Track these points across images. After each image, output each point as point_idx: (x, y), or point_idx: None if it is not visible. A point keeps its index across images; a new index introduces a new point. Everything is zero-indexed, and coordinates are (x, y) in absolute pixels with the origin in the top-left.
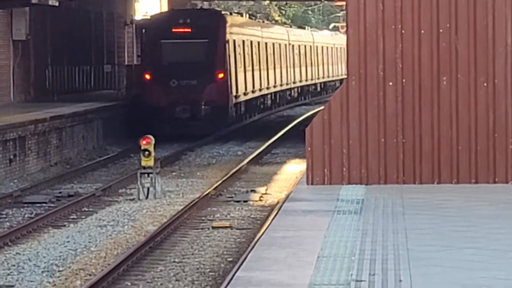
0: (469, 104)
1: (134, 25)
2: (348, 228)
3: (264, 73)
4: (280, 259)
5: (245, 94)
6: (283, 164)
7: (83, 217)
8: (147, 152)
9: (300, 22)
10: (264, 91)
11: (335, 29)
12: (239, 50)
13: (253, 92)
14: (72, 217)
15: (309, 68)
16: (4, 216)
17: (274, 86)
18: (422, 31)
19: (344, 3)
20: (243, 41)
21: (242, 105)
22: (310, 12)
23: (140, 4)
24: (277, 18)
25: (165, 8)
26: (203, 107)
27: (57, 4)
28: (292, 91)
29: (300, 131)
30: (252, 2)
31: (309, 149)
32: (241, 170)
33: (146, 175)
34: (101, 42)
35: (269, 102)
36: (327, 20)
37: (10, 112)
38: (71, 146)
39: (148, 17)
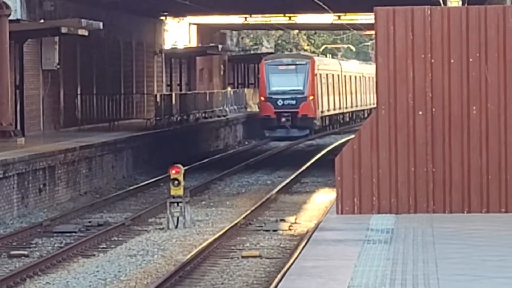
0: (499, 133)
1: (163, 55)
2: (378, 258)
3: (343, 97)
4: None
5: (328, 110)
6: (312, 193)
7: (112, 246)
8: (176, 182)
9: (329, 52)
10: (343, 110)
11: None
12: (324, 80)
13: (334, 109)
14: (101, 246)
15: None
16: (34, 245)
17: (351, 107)
18: (452, 61)
19: (373, 32)
20: (327, 74)
21: (326, 118)
22: (339, 41)
23: (169, 34)
24: (306, 47)
25: (194, 38)
26: (299, 117)
27: (86, 33)
28: (365, 112)
29: (329, 160)
30: (281, 32)
31: (339, 178)
32: (270, 199)
33: (175, 204)
34: (130, 72)
35: (347, 118)
36: (356, 49)
37: (40, 141)
38: (101, 175)
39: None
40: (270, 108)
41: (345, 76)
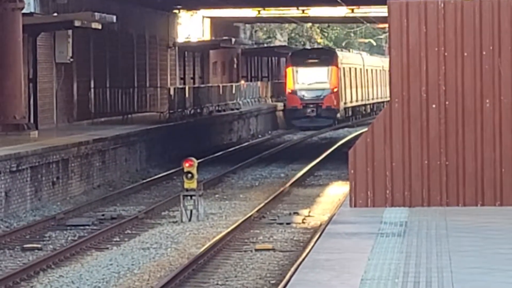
0: None
1: (176, 48)
2: (392, 251)
3: (365, 89)
4: (323, 281)
5: (351, 102)
6: (326, 186)
7: (126, 239)
8: (190, 175)
9: (342, 45)
10: (365, 102)
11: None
12: (347, 74)
13: (356, 101)
14: (115, 239)
15: None
16: (48, 238)
17: (372, 99)
18: (465, 54)
19: (386, 25)
20: (350, 68)
21: (349, 109)
22: (352, 35)
23: (182, 27)
24: (319, 40)
25: (207, 31)
26: (323, 109)
27: (100, 27)
28: (385, 104)
29: (343, 153)
30: (294, 25)
31: (352, 171)
32: (284, 193)
33: (189, 197)
34: (143, 65)
35: (368, 110)
36: (369, 43)
37: (53, 134)
38: (114, 168)
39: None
40: (296, 100)
41: (367, 70)
